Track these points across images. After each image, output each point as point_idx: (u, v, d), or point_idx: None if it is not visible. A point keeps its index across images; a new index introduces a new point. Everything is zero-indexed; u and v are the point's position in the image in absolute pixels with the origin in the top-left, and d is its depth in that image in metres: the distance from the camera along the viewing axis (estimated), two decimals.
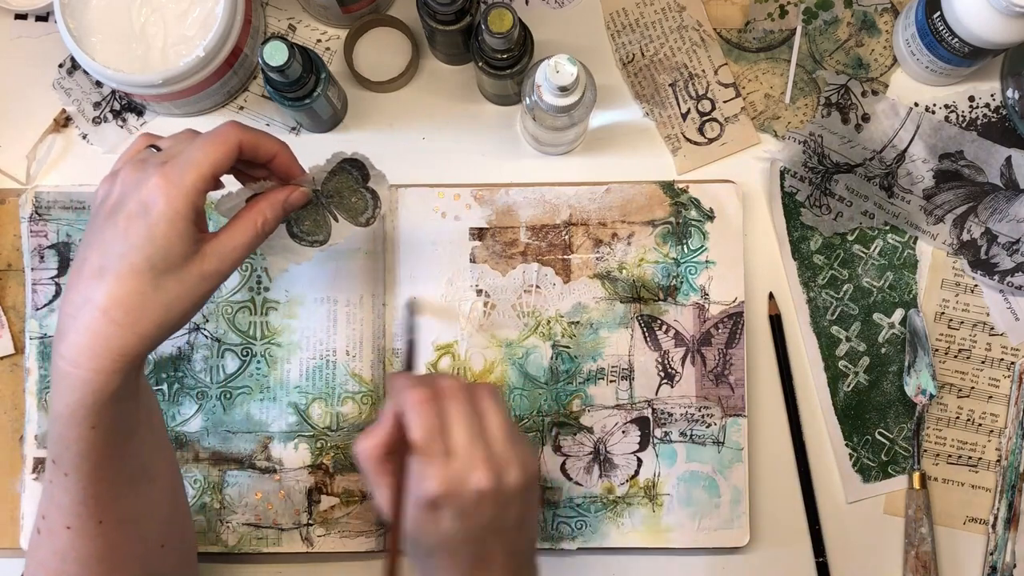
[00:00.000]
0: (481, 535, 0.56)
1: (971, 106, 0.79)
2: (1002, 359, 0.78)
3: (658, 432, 0.76)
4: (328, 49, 0.80)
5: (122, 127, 0.79)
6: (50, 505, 0.58)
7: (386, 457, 0.56)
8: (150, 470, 0.61)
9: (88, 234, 0.57)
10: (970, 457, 0.77)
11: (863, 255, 0.78)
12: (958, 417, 0.77)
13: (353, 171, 0.66)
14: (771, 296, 0.78)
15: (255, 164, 0.61)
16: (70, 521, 0.57)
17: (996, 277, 0.78)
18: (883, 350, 0.78)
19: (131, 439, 0.58)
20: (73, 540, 0.57)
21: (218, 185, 0.58)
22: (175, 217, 0.54)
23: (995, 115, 0.79)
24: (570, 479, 0.76)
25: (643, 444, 0.76)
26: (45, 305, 0.76)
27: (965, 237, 0.78)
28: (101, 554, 0.58)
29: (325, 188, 0.66)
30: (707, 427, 0.75)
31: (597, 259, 0.77)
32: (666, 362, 0.76)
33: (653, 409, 0.76)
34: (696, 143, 0.79)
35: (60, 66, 0.79)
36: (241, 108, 0.80)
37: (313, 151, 0.79)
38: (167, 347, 0.76)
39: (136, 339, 0.54)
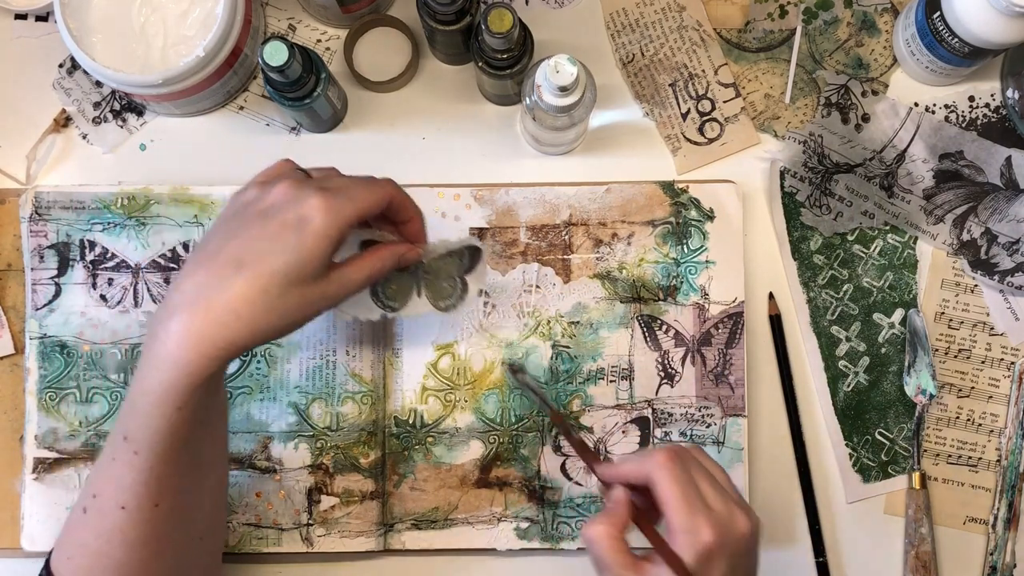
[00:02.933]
0: None
1: (971, 106, 0.79)
2: (1002, 359, 0.78)
3: (658, 432, 0.76)
4: (328, 49, 0.80)
5: (122, 127, 0.79)
6: (107, 484, 0.58)
7: (623, 537, 0.59)
8: (210, 461, 0.62)
9: (226, 226, 0.59)
10: (970, 457, 0.77)
11: (863, 255, 0.78)
12: (958, 417, 0.77)
13: (464, 258, 0.68)
14: (771, 296, 0.78)
15: (384, 219, 0.65)
16: (127, 501, 0.58)
17: (996, 277, 0.78)
18: (883, 350, 0.78)
19: (206, 427, 0.59)
20: (124, 521, 0.58)
21: None
22: (324, 238, 0.57)
23: (995, 115, 0.79)
24: (570, 479, 0.76)
25: (643, 444, 0.76)
26: (45, 305, 0.76)
27: (965, 237, 0.78)
28: (147, 538, 0.59)
29: (428, 263, 0.67)
30: (707, 427, 0.75)
31: (597, 259, 0.77)
32: (666, 362, 0.76)
33: (653, 409, 0.76)
34: (696, 143, 0.79)
35: (60, 66, 0.79)
36: (241, 108, 0.80)
37: (314, 151, 0.79)
38: None
39: (247, 335, 0.56)
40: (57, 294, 0.76)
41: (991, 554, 0.76)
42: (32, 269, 0.76)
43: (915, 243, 0.78)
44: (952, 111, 0.79)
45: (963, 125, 0.79)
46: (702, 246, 0.77)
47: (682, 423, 0.76)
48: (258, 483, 0.75)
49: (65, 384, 0.75)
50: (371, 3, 0.78)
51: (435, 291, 0.69)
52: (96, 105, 0.79)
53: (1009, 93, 0.79)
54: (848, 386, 0.77)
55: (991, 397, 0.78)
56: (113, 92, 0.79)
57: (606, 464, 0.62)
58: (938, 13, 0.72)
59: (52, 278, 0.76)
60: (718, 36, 0.80)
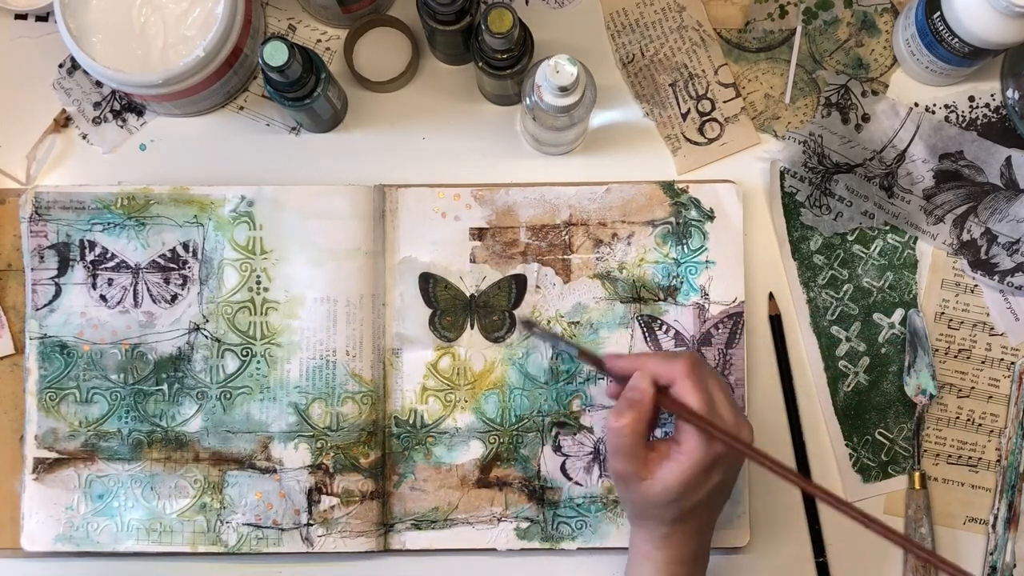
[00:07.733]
0: (727, 491, 0.65)
1: (971, 106, 0.79)
2: (1002, 359, 0.78)
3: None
4: (328, 49, 0.80)
5: (122, 127, 0.79)
6: None
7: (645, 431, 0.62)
8: None
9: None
10: (970, 457, 0.77)
11: (863, 255, 0.78)
12: (958, 417, 0.77)
13: (512, 292, 0.75)
14: (771, 296, 0.78)
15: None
16: None
17: (996, 277, 0.78)
18: (883, 350, 0.78)
19: None
20: None
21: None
22: None
23: (995, 115, 0.79)
24: (570, 479, 0.76)
25: None
26: (45, 305, 0.76)
27: (965, 237, 0.78)
28: None
29: (481, 297, 0.72)
30: None
31: (597, 259, 0.77)
32: None
33: None
34: (696, 143, 0.79)
35: (60, 66, 0.79)
36: (241, 108, 0.80)
37: (314, 151, 0.79)
38: (167, 347, 0.76)
39: None
40: (57, 294, 0.76)
41: (991, 554, 0.76)
42: (32, 269, 0.76)
43: (915, 243, 0.78)
44: (952, 111, 0.79)
45: (963, 125, 0.79)
46: (702, 246, 0.77)
47: None
48: (258, 483, 0.75)
49: (65, 384, 0.75)
50: (371, 3, 0.78)
51: (486, 324, 0.75)
52: (96, 105, 0.79)
53: (1009, 93, 0.79)
54: (848, 386, 0.77)
55: (991, 397, 0.78)
56: (113, 92, 0.79)
57: (629, 357, 0.66)
58: (938, 13, 0.72)
59: (52, 278, 0.76)
60: (718, 36, 0.80)
